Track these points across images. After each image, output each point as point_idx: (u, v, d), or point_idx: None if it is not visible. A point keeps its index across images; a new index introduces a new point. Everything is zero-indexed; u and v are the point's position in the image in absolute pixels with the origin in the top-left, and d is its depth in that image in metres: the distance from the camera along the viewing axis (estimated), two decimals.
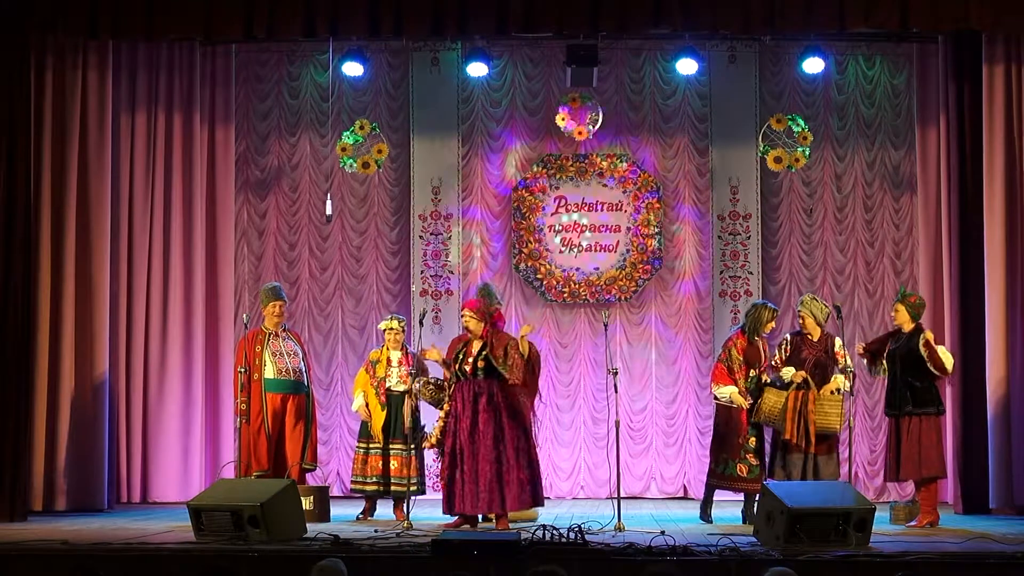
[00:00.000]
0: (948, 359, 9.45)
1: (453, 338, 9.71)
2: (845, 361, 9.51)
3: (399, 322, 10.25)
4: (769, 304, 9.97)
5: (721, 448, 9.72)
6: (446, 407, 9.29)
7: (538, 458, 9.33)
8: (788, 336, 9.90)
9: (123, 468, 11.53)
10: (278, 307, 10.32)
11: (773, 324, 9.82)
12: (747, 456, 9.61)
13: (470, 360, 9.14)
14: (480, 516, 9.27)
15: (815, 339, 9.68)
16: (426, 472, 10.24)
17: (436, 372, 10.32)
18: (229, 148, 12.18)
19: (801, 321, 9.75)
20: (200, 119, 11.93)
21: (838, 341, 9.62)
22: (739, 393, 9.57)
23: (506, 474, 9.01)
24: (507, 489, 9.00)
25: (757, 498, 9.07)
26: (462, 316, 9.37)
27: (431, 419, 9.89)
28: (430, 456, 10.23)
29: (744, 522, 9.61)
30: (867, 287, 12.30)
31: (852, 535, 7.89)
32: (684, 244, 12.47)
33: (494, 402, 9.09)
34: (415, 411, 9.86)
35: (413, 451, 9.82)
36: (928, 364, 9.38)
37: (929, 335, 9.43)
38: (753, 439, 9.64)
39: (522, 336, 9.17)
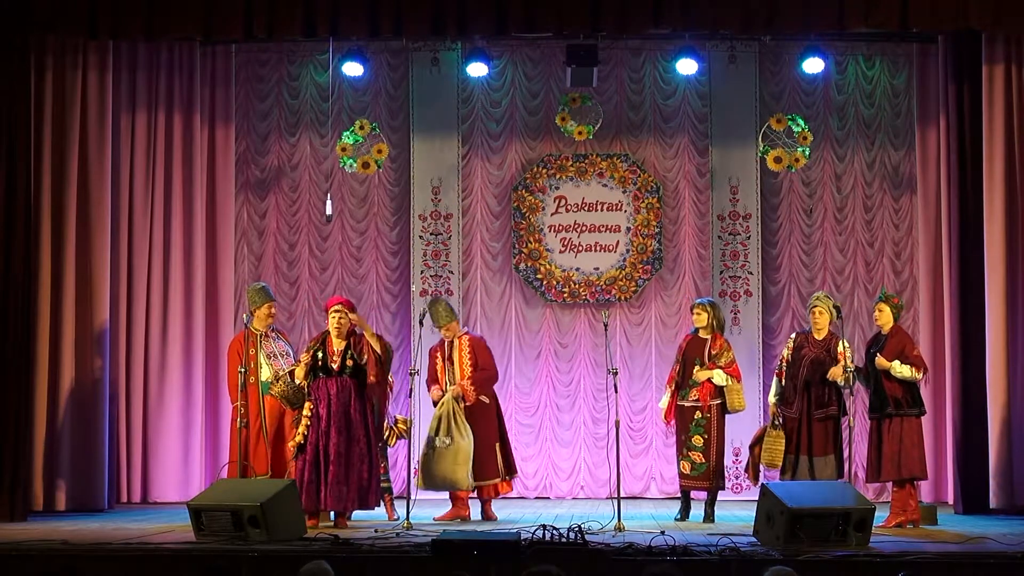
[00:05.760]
0: (906, 370, 9.37)
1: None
2: (845, 361, 9.49)
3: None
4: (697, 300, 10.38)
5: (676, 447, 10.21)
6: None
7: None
8: (794, 335, 9.97)
9: (123, 468, 11.53)
10: (272, 308, 10.30)
11: (693, 317, 10.13)
12: (690, 454, 9.94)
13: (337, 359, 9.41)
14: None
15: (819, 338, 9.71)
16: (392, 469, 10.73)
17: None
18: (229, 148, 12.18)
19: (815, 317, 9.75)
20: (200, 119, 11.93)
21: (843, 342, 9.61)
22: (667, 398, 10.11)
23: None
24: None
25: (759, 497, 9.08)
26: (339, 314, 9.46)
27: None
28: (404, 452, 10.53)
29: (704, 520, 9.86)
30: (867, 287, 12.28)
31: (852, 535, 7.90)
32: (684, 244, 12.46)
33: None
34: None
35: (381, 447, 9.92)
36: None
37: (882, 362, 9.39)
38: (699, 438, 9.89)
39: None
